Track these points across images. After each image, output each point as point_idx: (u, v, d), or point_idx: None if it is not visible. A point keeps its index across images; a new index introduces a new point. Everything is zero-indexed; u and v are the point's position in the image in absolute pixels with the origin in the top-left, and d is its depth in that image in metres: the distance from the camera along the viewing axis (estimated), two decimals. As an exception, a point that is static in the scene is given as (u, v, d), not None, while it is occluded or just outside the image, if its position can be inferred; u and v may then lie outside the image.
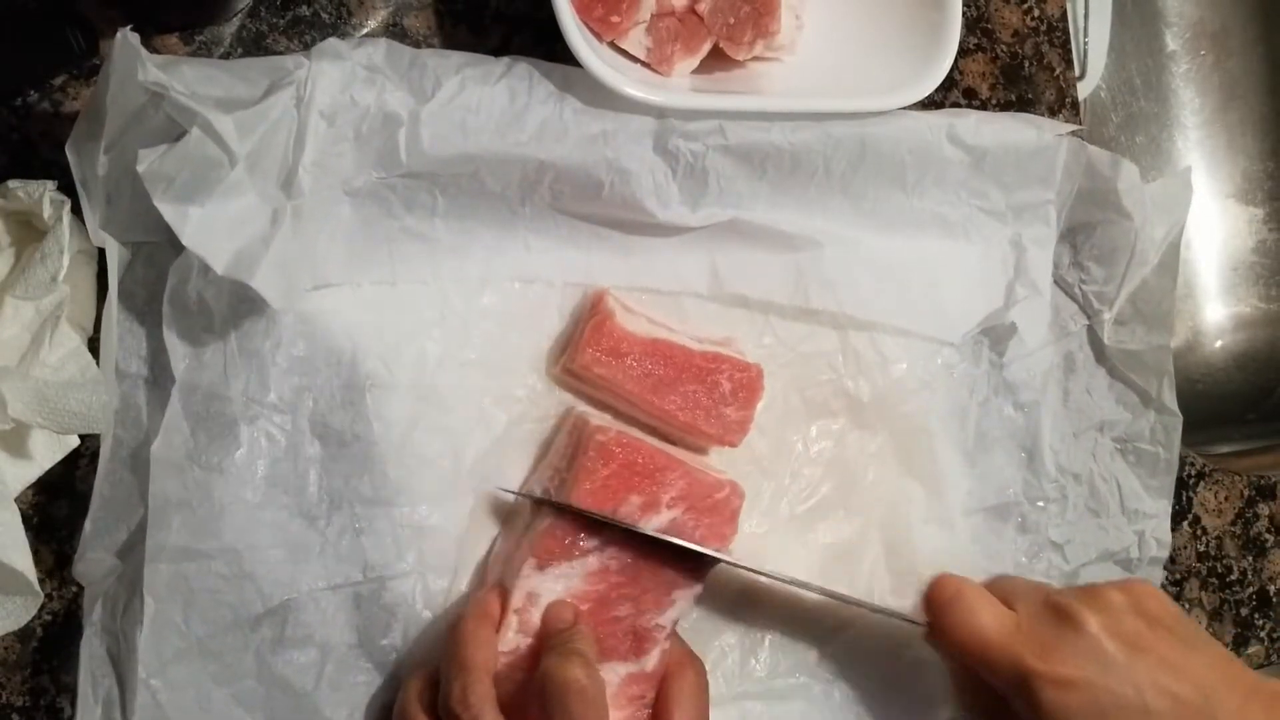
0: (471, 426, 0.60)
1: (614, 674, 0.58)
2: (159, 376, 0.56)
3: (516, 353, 0.62)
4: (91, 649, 0.54)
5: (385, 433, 0.58)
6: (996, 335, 0.72)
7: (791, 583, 0.61)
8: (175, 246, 0.53)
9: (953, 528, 0.70)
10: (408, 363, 0.59)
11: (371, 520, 0.58)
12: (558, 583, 0.57)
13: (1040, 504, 0.73)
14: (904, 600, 0.66)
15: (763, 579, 0.62)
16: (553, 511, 0.58)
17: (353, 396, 0.57)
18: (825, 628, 0.66)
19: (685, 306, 0.65)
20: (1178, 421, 0.74)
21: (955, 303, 0.70)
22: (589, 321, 0.61)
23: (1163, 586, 0.80)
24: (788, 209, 0.65)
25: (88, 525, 0.54)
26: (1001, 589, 0.60)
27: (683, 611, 0.60)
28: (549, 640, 0.55)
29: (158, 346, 0.56)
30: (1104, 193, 0.71)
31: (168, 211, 0.51)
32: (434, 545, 0.59)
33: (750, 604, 0.65)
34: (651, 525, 0.59)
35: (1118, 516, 0.75)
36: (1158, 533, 0.75)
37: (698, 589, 0.60)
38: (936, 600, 0.60)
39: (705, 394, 0.62)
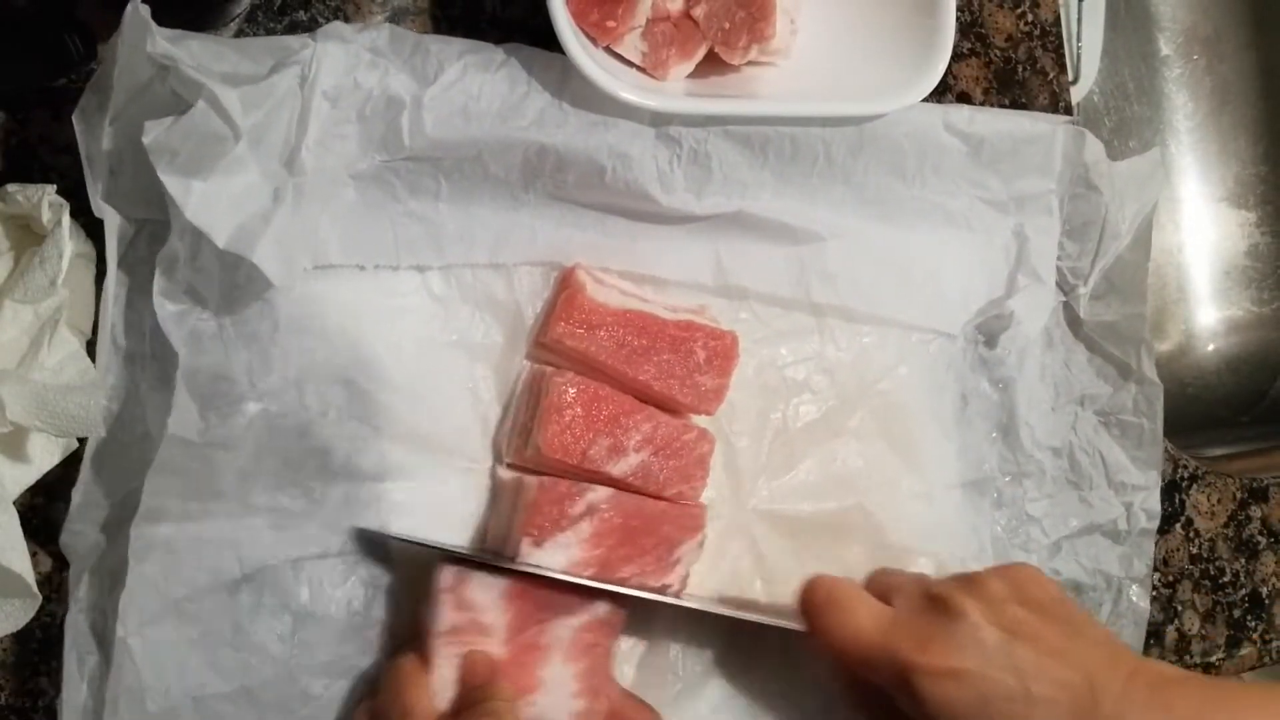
0: (461, 407, 0.61)
1: None
2: (157, 351, 0.56)
3: (510, 334, 0.62)
4: (77, 625, 0.54)
5: (377, 413, 0.58)
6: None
7: (682, 603, 0.60)
8: (178, 224, 0.53)
9: (934, 502, 0.70)
10: (400, 345, 0.59)
11: (362, 495, 0.58)
12: (558, 554, 0.57)
13: (1016, 479, 0.73)
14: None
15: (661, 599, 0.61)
16: (534, 484, 0.58)
17: (350, 376, 0.58)
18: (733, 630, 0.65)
19: (663, 264, 0.65)
20: (1159, 390, 0.74)
21: (956, 293, 0.71)
22: (560, 295, 0.61)
23: (1155, 589, 0.80)
24: (791, 199, 0.66)
25: (76, 497, 0.54)
26: (880, 584, 0.59)
27: (690, 565, 0.60)
28: (467, 698, 0.54)
29: (156, 323, 0.56)
30: (1068, 161, 0.72)
31: (171, 184, 0.51)
32: (419, 522, 0.59)
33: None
34: (619, 469, 0.59)
35: (1104, 489, 0.75)
36: (1147, 504, 0.75)
37: (700, 537, 0.61)
38: (810, 603, 0.57)
39: (680, 363, 0.62)
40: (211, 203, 0.52)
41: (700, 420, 0.64)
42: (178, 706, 0.54)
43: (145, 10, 0.51)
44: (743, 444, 0.66)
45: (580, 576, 0.57)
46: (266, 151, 0.54)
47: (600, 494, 0.59)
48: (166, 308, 0.54)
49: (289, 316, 0.56)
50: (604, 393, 0.60)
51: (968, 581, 0.56)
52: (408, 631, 0.59)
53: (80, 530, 0.55)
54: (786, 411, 0.68)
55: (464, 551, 0.59)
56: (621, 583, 0.59)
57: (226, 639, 0.55)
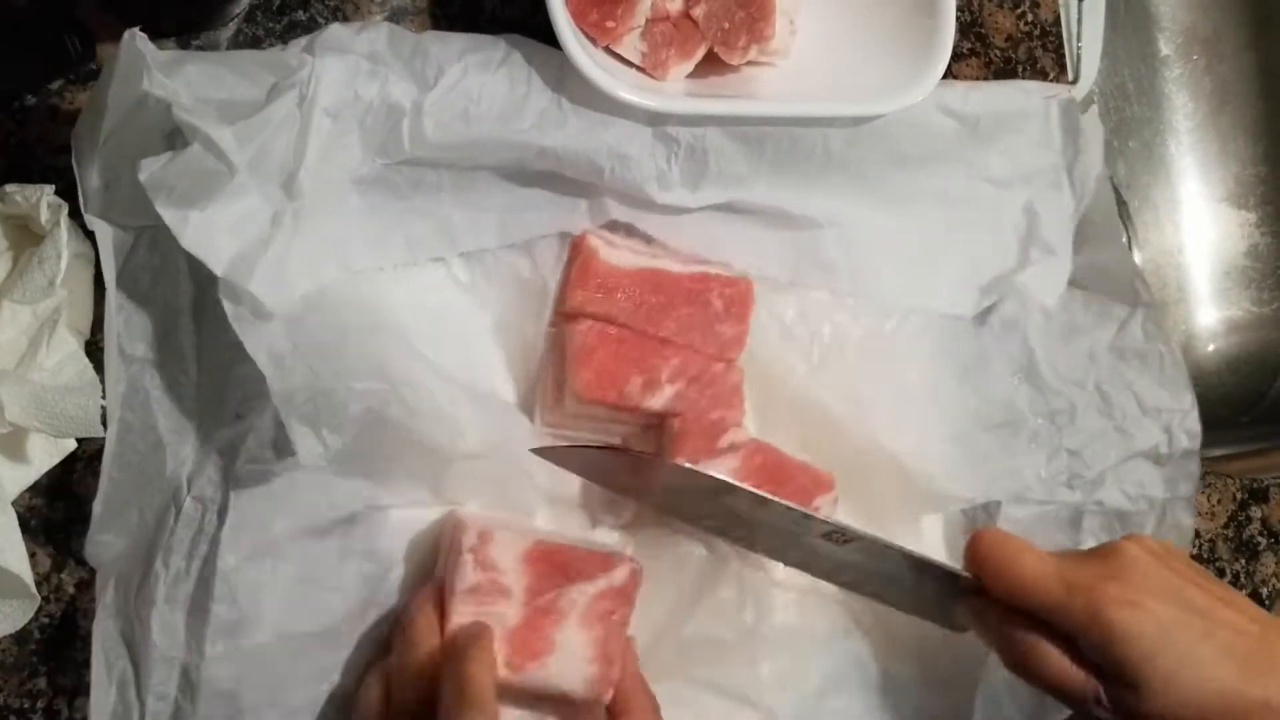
0: (508, 388, 0.62)
1: None
2: (165, 359, 0.56)
3: (540, 310, 0.62)
4: (105, 630, 0.55)
5: (445, 399, 0.57)
6: None
7: (843, 529, 0.60)
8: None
9: (966, 445, 0.70)
10: (440, 339, 0.59)
11: (453, 470, 0.59)
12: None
13: (1048, 416, 0.73)
14: (910, 523, 0.69)
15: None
16: (677, 421, 0.61)
17: (414, 369, 0.57)
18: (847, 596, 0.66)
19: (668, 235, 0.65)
20: (1161, 313, 0.75)
21: (963, 275, 0.71)
22: (574, 263, 0.62)
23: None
24: (788, 189, 0.66)
25: (97, 508, 0.54)
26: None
27: (829, 516, 0.61)
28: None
29: (163, 328, 0.56)
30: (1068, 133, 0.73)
31: (168, 215, 0.51)
32: (493, 498, 0.61)
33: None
34: (657, 403, 0.61)
35: (1138, 417, 0.74)
36: (1186, 425, 0.75)
37: (834, 494, 0.63)
38: (979, 550, 0.58)
39: (699, 314, 0.63)
40: (209, 231, 0.52)
41: None
42: (269, 643, 0.55)
43: (143, 40, 0.51)
44: (764, 392, 0.66)
45: (743, 483, 0.58)
46: (265, 176, 0.54)
47: (740, 435, 0.61)
48: (249, 336, 0.53)
49: (354, 322, 0.56)
50: (625, 334, 0.61)
51: (1127, 538, 0.57)
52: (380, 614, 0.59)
53: (105, 540, 0.55)
54: (807, 359, 0.67)
55: (626, 448, 0.62)
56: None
57: (315, 579, 0.57)
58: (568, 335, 0.60)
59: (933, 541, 0.71)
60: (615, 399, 0.60)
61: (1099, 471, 0.73)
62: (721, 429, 0.61)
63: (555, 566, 0.57)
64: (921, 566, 0.60)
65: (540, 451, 0.58)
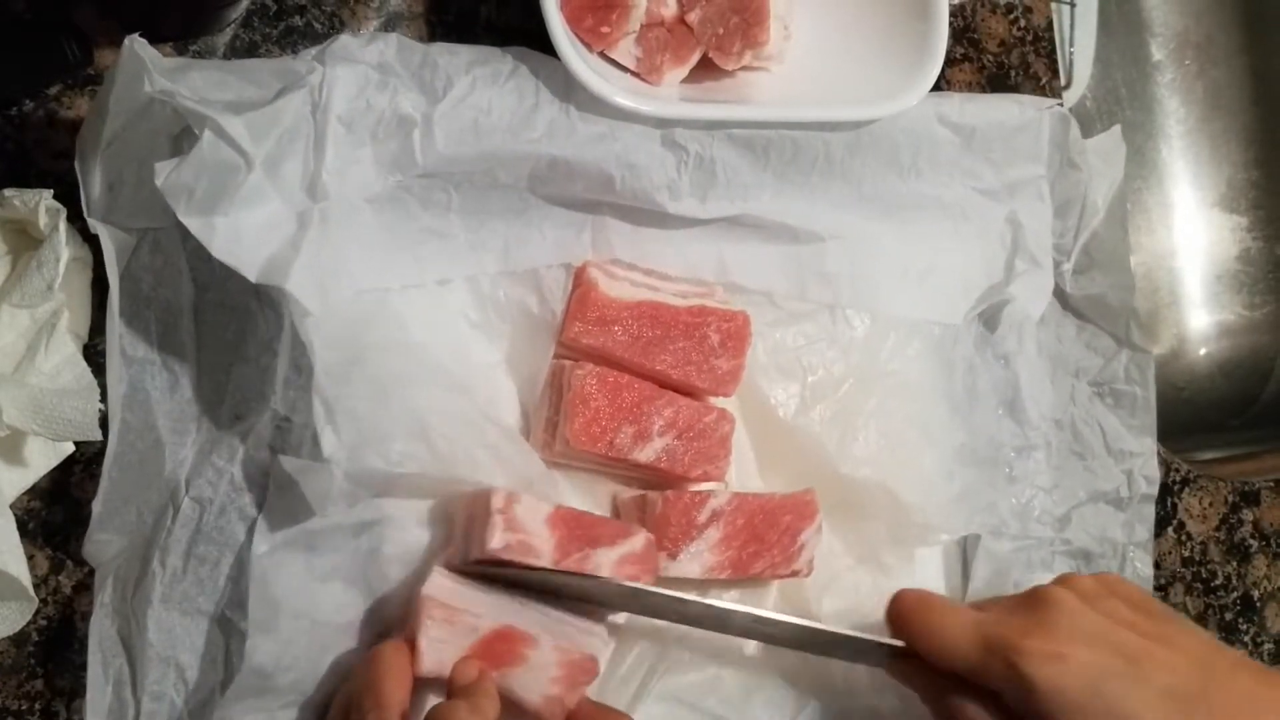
0: (502, 412, 0.62)
1: None
2: (167, 360, 0.56)
3: (534, 338, 0.63)
4: (102, 629, 0.55)
5: (462, 448, 0.58)
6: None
7: (762, 619, 0.60)
8: (182, 230, 0.53)
9: (953, 479, 0.70)
10: (452, 370, 0.59)
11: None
12: (693, 564, 0.61)
13: (1025, 452, 0.74)
14: (903, 556, 0.68)
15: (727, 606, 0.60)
16: (659, 499, 0.60)
17: (443, 410, 0.57)
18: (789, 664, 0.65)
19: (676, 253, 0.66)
20: (1149, 358, 0.76)
21: (955, 284, 0.72)
22: (574, 294, 0.62)
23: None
24: (792, 198, 0.66)
25: (97, 506, 0.54)
26: (969, 606, 0.59)
27: (813, 550, 0.63)
28: (455, 691, 0.54)
29: (164, 330, 0.56)
30: (1055, 147, 0.73)
31: (194, 225, 0.51)
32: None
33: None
34: (645, 455, 0.61)
35: (1104, 458, 0.76)
36: (1145, 470, 0.76)
37: (818, 521, 0.63)
38: (901, 611, 0.58)
39: (695, 349, 0.63)
40: (237, 238, 0.52)
41: (719, 402, 0.65)
42: (299, 630, 0.56)
43: (143, 45, 0.51)
44: (760, 425, 0.67)
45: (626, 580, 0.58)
46: (286, 180, 0.54)
47: (721, 499, 0.61)
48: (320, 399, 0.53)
49: (387, 372, 0.56)
50: (624, 381, 0.61)
51: (1060, 579, 0.57)
52: (397, 618, 0.58)
53: (104, 539, 0.55)
54: (803, 392, 0.68)
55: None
56: (756, 578, 0.62)
57: (345, 575, 0.56)
58: (568, 380, 0.60)
59: (932, 570, 0.72)
60: (605, 450, 0.60)
61: (1066, 511, 0.75)
62: (699, 503, 0.61)
63: (578, 530, 0.57)
64: (848, 641, 0.59)
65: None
